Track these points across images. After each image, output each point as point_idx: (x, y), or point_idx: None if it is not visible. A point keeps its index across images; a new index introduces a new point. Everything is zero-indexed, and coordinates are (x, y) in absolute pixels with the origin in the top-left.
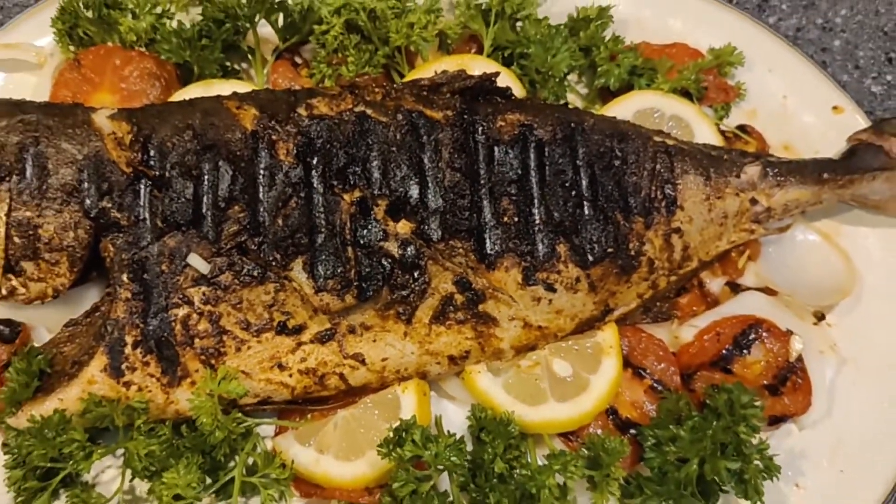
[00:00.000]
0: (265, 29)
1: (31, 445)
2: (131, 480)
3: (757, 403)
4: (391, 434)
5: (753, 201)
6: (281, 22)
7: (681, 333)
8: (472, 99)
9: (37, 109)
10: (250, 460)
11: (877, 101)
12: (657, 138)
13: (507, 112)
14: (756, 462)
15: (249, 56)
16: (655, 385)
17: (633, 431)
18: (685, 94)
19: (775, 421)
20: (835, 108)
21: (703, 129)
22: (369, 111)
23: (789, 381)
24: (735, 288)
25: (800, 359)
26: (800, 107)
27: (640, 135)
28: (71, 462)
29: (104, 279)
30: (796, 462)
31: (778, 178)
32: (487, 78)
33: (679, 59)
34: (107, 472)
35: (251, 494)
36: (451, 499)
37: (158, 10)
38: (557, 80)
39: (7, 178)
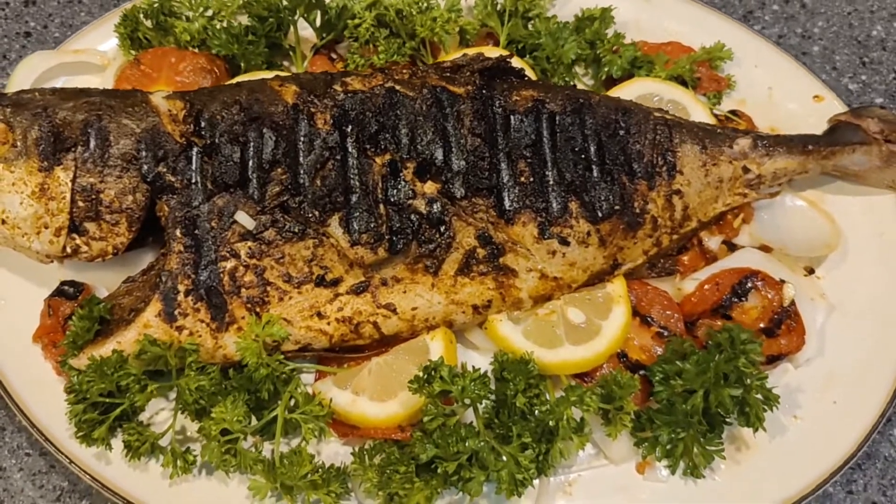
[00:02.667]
0: (305, 31)
1: (90, 382)
2: (183, 415)
3: (755, 340)
4: (421, 373)
5: (745, 169)
6: (319, 21)
7: (683, 286)
8: (490, 78)
9: (100, 93)
10: (292, 401)
11: (853, 96)
12: (657, 114)
13: (522, 89)
14: (756, 394)
15: (291, 53)
16: (661, 331)
17: (642, 372)
18: (681, 82)
19: (773, 360)
20: (816, 97)
21: (697, 112)
22: (398, 87)
23: (784, 324)
24: (731, 247)
25: (792, 304)
26: (784, 96)
27: (642, 110)
28: (128, 395)
29: (159, 244)
30: (793, 396)
31: (767, 149)
32: (503, 59)
33: (674, 55)
34: (160, 415)
35: (293, 435)
36: (476, 430)
37: (210, 13)
38: (565, 66)
39: (73, 149)
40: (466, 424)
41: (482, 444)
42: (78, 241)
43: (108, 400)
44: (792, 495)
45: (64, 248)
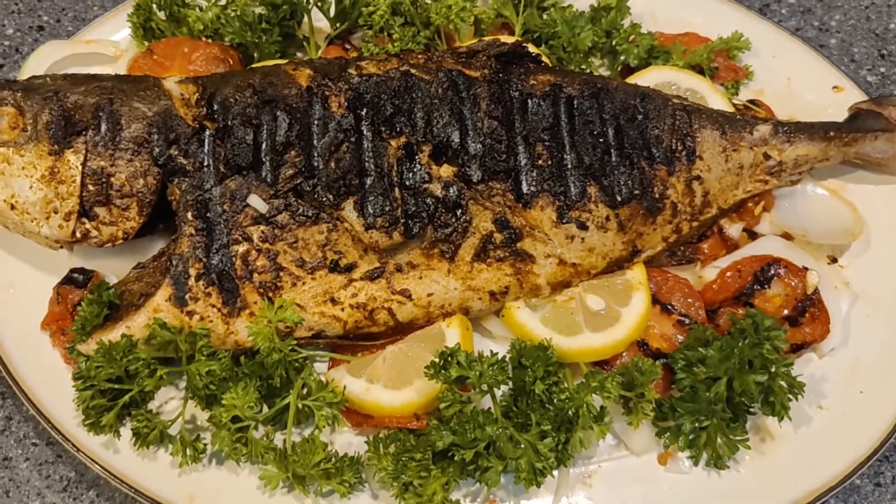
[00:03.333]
0: (320, 22)
1: (99, 367)
2: (193, 402)
3: (779, 327)
4: (437, 359)
5: (766, 156)
6: (333, 10)
7: (704, 274)
8: (506, 63)
9: (112, 79)
10: (304, 389)
11: (872, 88)
12: (676, 100)
13: (539, 74)
14: (781, 382)
15: (304, 44)
16: (682, 319)
17: (663, 360)
18: (698, 71)
19: (797, 348)
20: (835, 87)
21: (716, 101)
22: (413, 70)
23: (808, 312)
24: (752, 235)
25: (816, 291)
26: (803, 87)
27: (660, 95)
28: (137, 380)
29: (170, 231)
30: (818, 386)
31: (788, 135)
32: (520, 44)
33: (691, 45)
34: (170, 404)
35: (305, 424)
36: (494, 417)
37: (223, 2)
38: (582, 55)
39: (84, 133)
40: (484, 411)
41: (500, 431)
42: (88, 226)
43: (116, 386)
44: (817, 487)
45: (73, 232)
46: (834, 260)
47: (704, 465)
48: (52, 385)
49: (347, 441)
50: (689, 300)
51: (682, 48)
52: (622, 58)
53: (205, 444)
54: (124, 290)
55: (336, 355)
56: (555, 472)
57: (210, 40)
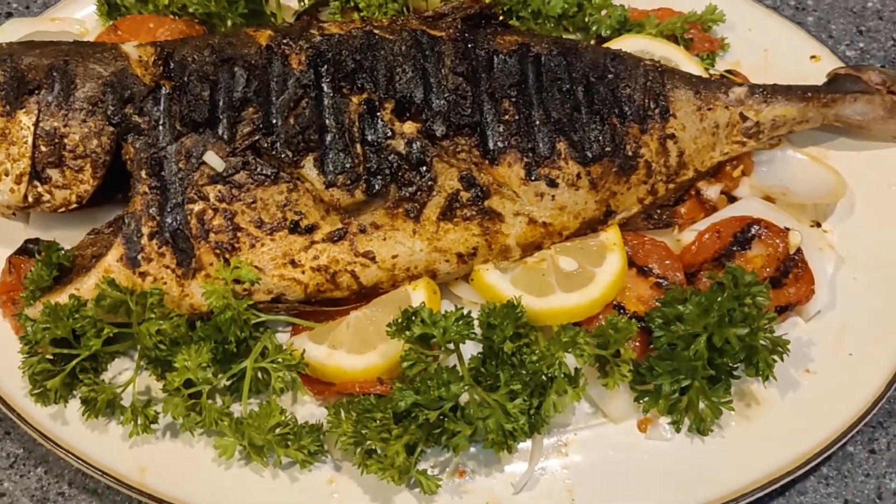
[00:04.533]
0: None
1: (45, 329)
2: (146, 369)
3: (760, 282)
4: (400, 317)
5: (743, 117)
6: None
7: (682, 237)
8: (473, 26)
9: (70, 43)
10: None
11: (851, 62)
12: (648, 62)
13: (506, 35)
14: (763, 341)
15: (272, 20)
16: (660, 281)
17: (641, 325)
18: (672, 41)
19: (781, 310)
20: (813, 57)
21: (691, 68)
22: (377, 31)
23: (791, 272)
24: (731, 200)
25: (799, 251)
26: (780, 58)
27: (632, 57)
28: (84, 340)
29: (129, 201)
30: (805, 350)
31: (765, 96)
32: (487, 6)
33: (664, 20)
34: (123, 375)
35: (265, 394)
36: (460, 374)
37: None
38: (553, 23)
39: (36, 92)
40: (449, 368)
41: (466, 388)
42: (40, 189)
43: (64, 350)
44: (807, 451)
45: (25, 196)
46: (818, 224)
47: (687, 431)
48: (2, 357)
49: (310, 412)
50: (667, 262)
51: (656, 21)
52: (594, 28)
53: (156, 413)
54: (77, 254)
55: (297, 320)
56: (528, 442)
57: (176, 17)
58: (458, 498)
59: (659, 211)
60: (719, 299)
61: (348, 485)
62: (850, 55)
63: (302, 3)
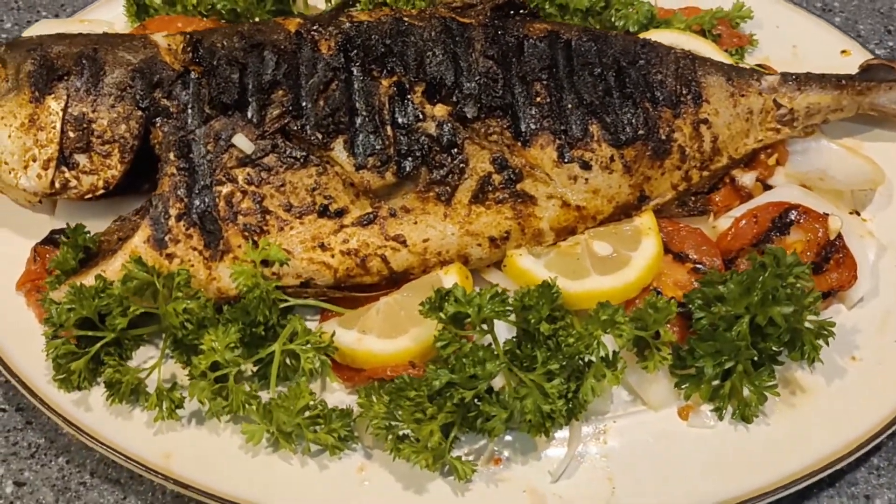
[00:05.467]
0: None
1: (70, 310)
2: (172, 354)
3: (802, 262)
4: (433, 297)
5: (777, 104)
6: None
7: (718, 224)
8: (502, 16)
9: (100, 34)
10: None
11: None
12: (678, 50)
13: (535, 23)
14: (808, 324)
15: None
16: (698, 266)
17: (680, 310)
18: (700, 36)
19: (824, 296)
20: (843, 52)
21: (722, 61)
22: (406, 19)
23: (832, 258)
24: (767, 188)
25: (839, 237)
26: (810, 53)
27: (663, 46)
28: (109, 320)
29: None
30: (849, 337)
31: (799, 84)
32: None
33: (690, 17)
34: (148, 363)
35: (293, 379)
36: (495, 352)
37: None
38: (580, 17)
39: (66, 78)
40: (484, 346)
41: (502, 365)
42: (67, 175)
43: (88, 333)
44: (855, 438)
45: (52, 182)
46: (857, 213)
47: (731, 418)
48: (26, 346)
49: (339, 400)
50: (704, 248)
51: (683, 18)
52: (621, 24)
53: (182, 396)
54: (103, 239)
55: (326, 305)
56: (565, 431)
57: (204, 17)
58: (494, 486)
59: (693, 198)
60: (761, 278)
61: (379, 473)
62: (879, 54)
63: (329, 3)
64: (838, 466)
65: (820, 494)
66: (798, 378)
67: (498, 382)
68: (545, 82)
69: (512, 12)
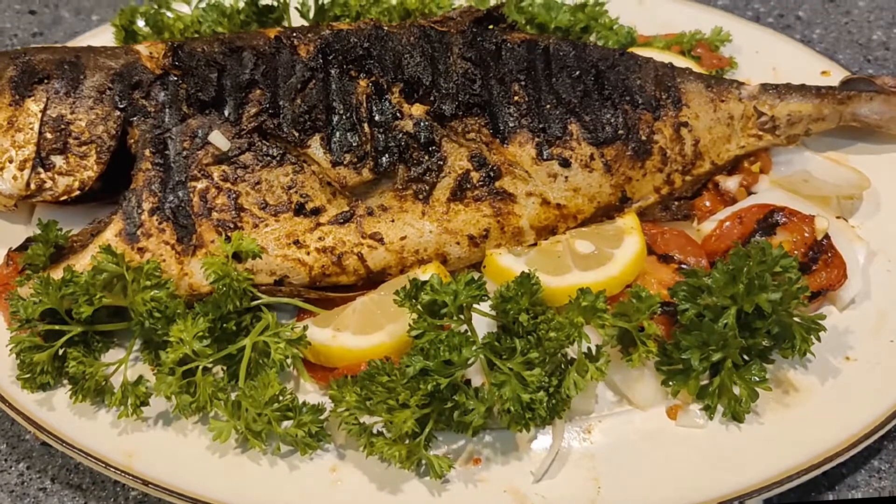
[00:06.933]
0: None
1: (36, 303)
2: (141, 356)
3: (789, 255)
4: (408, 285)
5: (758, 111)
6: (312, 13)
7: (702, 228)
8: (482, 29)
9: (82, 46)
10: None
11: None
12: (657, 61)
13: (514, 34)
14: (797, 318)
15: None
16: (683, 266)
17: (665, 308)
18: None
19: (814, 296)
20: (823, 72)
21: None
22: (385, 27)
23: (820, 258)
24: (752, 196)
25: (826, 237)
26: (790, 75)
27: (641, 56)
28: (75, 308)
29: None
30: (842, 338)
31: (779, 93)
32: (496, 8)
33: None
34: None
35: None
36: (471, 338)
37: (203, 4)
38: (561, 34)
39: (46, 81)
40: (460, 332)
41: (478, 350)
42: (43, 176)
43: (55, 327)
44: (851, 436)
45: (28, 184)
46: (844, 220)
47: (722, 417)
48: None
49: (313, 402)
50: (689, 248)
51: (662, 42)
52: (601, 43)
53: (147, 391)
54: (75, 238)
55: (300, 303)
56: (548, 431)
57: None
58: (473, 486)
59: (677, 203)
60: (747, 267)
61: (353, 473)
62: None
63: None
64: (835, 462)
65: (819, 497)
66: (791, 378)
67: (477, 380)
68: (523, 83)
69: (491, 26)
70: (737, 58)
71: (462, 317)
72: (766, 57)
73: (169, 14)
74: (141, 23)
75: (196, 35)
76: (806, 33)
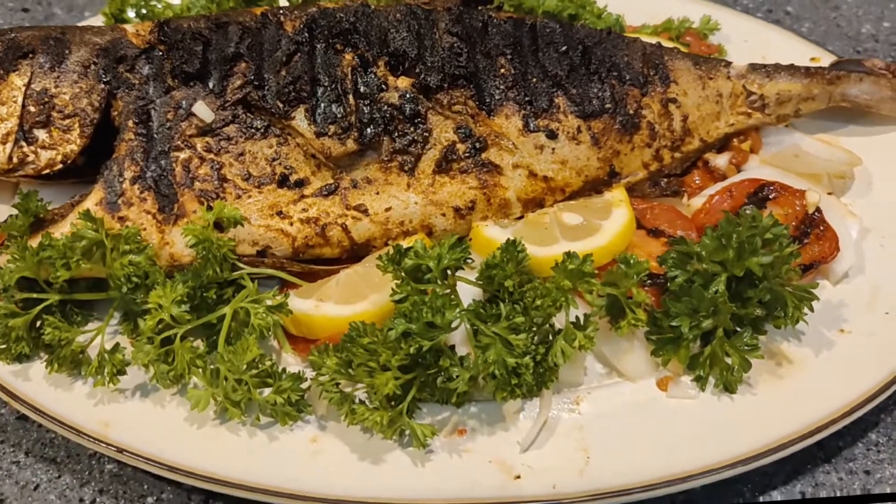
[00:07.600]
0: None
1: (12, 270)
2: (120, 327)
3: (780, 224)
4: (391, 251)
5: (747, 90)
6: None
7: (692, 203)
8: (470, 8)
9: (71, 25)
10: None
11: None
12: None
13: (501, 13)
14: (789, 288)
15: None
16: (672, 239)
17: (655, 280)
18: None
19: (806, 269)
20: (812, 59)
21: None
22: (372, 5)
23: (812, 232)
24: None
25: (818, 211)
26: (779, 61)
27: (628, 36)
28: (52, 272)
29: None
30: (836, 311)
31: (767, 71)
32: None
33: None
34: (95, 341)
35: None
36: (454, 301)
37: None
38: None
39: (31, 55)
40: (444, 294)
41: (462, 314)
42: (26, 150)
43: (32, 295)
44: (845, 405)
45: (10, 157)
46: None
47: (714, 388)
48: None
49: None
50: (679, 221)
51: (651, 29)
52: None
53: (124, 358)
54: (57, 210)
55: (283, 274)
56: (535, 403)
57: None
58: (458, 456)
59: (666, 180)
60: (736, 232)
61: (334, 444)
62: None
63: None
64: (829, 430)
65: (815, 470)
66: (785, 350)
67: (463, 350)
68: (509, 57)
69: (480, 8)
70: (726, 46)
71: (447, 282)
72: (755, 46)
73: (159, 5)
74: (132, 13)
75: None
76: (795, 27)
